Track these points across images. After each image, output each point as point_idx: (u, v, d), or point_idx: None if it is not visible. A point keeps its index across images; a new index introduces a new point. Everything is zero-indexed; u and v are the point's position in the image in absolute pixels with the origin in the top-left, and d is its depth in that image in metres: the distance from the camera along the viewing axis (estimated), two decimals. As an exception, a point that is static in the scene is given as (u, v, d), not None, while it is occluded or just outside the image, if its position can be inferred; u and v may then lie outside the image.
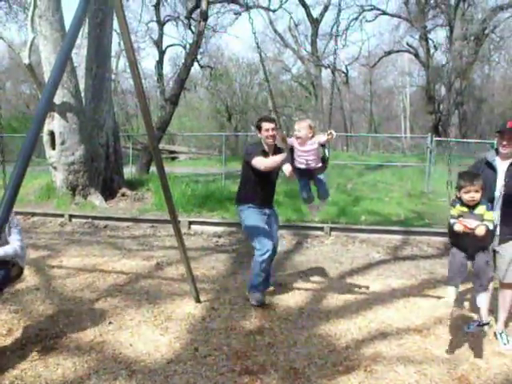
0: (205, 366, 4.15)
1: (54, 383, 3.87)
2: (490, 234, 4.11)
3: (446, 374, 4.02)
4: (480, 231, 3.96)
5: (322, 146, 4.71)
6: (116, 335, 4.75)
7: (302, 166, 4.70)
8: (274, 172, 5.54)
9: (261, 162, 5.29)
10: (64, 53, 3.22)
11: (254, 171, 5.39)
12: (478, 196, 4.12)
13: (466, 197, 4.14)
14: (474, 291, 5.54)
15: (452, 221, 4.17)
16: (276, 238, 5.75)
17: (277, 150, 5.48)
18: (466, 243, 4.19)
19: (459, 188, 4.22)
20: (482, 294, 4.26)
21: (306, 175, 4.83)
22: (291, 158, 4.78)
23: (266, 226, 5.55)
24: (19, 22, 25.79)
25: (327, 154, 4.76)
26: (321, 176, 4.88)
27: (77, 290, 6.06)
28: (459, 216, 4.15)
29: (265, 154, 5.38)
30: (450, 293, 4.27)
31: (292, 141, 4.72)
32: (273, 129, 5.35)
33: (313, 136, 4.64)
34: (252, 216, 5.51)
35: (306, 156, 4.66)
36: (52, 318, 5.17)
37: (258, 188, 5.52)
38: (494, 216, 4.20)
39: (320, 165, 4.73)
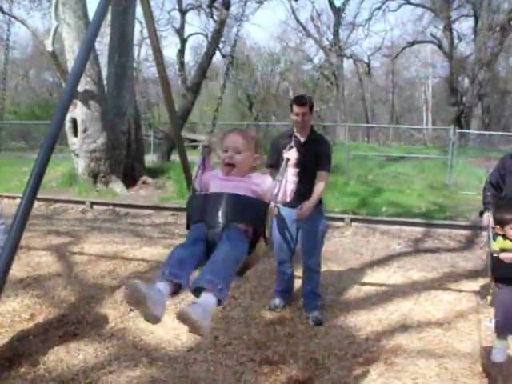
0: (225, 355, 4.16)
1: (75, 368, 3.91)
2: None
3: (468, 368, 3.98)
4: None
5: None
6: (137, 322, 4.77)
7: None
8: (305, 158, 4.42)
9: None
10: (88, 41, 3.23)
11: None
12: None
13: None
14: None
15: (495, 255, 3.78)
16: (310, 250, 4.98)
17: (311, 137, 4.85)
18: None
19: (503, 223, 3.89)
20: None
21: None
22: None
23: (289, 236, 4.98)
24: (43, 10, 25.97)
25: None
26: None
27: (98, 277, 6.11)
28: (502, 251, 3.77)
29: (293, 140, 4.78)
30: (502, 346, 3.66)
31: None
32: (303, 113, 4.71)
33: None
34: (277, 223, 4.98)
35: None
36: (73, 304, 5.22)
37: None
38: None
39: None
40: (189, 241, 2.50)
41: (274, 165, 4.78)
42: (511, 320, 3.59)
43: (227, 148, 2.81)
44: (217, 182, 2.80)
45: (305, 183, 4.72)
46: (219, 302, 2.26)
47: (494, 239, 3.98)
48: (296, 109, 4.73)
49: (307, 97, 4.87)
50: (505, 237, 3.90)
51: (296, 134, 4.74)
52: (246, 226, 2.58)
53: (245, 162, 2.80)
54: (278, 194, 2.79)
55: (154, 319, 2.22)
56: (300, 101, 4.77)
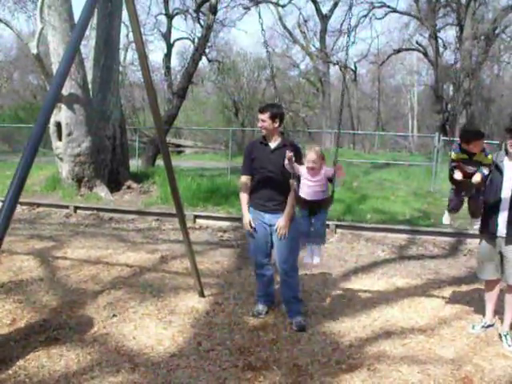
0: (208, 361, 4.14)
1: (56, 374, 3.87)
2: (484, 179, 4.56)
3: (450, 374, 4.00)
4: (476, 178, 4.47)
5: (330, 180, 4.58)
6: (119, 328, 4.75)
7: (309, 198, 4.55)
8: (275, 164, 4.81)
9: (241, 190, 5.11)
10: (73, 44, 3.21)
11: (253, 162, 4.96)
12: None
13: (474, 149, 4.43)
14: (479, 292, 5.54)
15: (452, 164, 4.66)
16: (284, 255, 4.91)
17: (279, 144, 4.88)
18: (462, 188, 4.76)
19: (466, 141, 4.41)
20: None
21: (309, 207, 4.60)
22: (297, 187, 4.60)
23: (263, 239, 4.97)
24: (28, 12, 25.71)
25: (334, 187, 4.61)
26: (322, 216, 4.65)
27: (81, 282, 6.07)
28: (459, 161, 4.57)
29: (264, 145, 4.92)
30: (446, 216, 5.24)
31: (301, 169, 4.55)
32: (263, 120, 4.79)
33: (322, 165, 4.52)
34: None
35: (313, 187, 4.53)
36: (56, 309, 5.18)
37: (255, 183, 4.96)
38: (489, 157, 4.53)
39: (326, 197, 4.61)
40: None
41: (249, 172, 4.90)
42: (456, 206, 5.02)
43: None
44: None
45: (274, 189, 4.88)
46: None
47: (455, 152, 4.58)
48: (258, 115, 4.89)
49: (271, 105, 4.96)
50: (462, 150, 4.50)
51: (266, 141, 4.95)
52: None
53: None
54: None
55: None
56: (260, 108, 4.95)
